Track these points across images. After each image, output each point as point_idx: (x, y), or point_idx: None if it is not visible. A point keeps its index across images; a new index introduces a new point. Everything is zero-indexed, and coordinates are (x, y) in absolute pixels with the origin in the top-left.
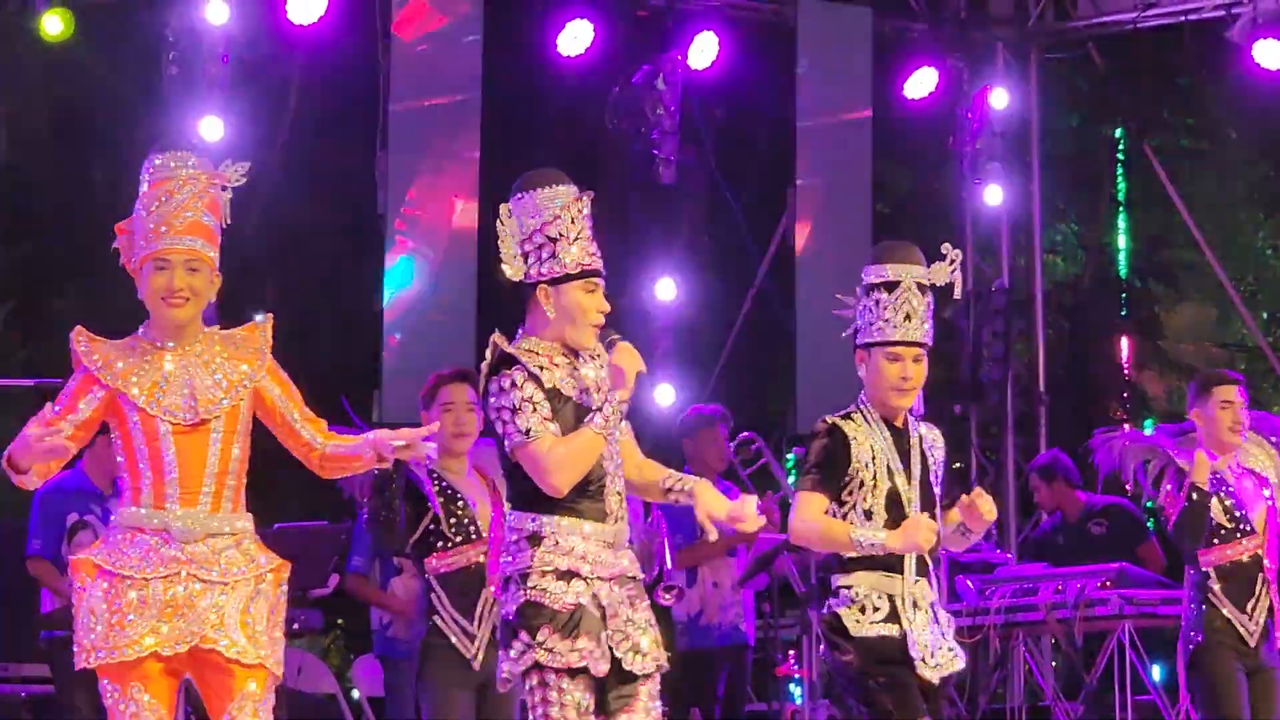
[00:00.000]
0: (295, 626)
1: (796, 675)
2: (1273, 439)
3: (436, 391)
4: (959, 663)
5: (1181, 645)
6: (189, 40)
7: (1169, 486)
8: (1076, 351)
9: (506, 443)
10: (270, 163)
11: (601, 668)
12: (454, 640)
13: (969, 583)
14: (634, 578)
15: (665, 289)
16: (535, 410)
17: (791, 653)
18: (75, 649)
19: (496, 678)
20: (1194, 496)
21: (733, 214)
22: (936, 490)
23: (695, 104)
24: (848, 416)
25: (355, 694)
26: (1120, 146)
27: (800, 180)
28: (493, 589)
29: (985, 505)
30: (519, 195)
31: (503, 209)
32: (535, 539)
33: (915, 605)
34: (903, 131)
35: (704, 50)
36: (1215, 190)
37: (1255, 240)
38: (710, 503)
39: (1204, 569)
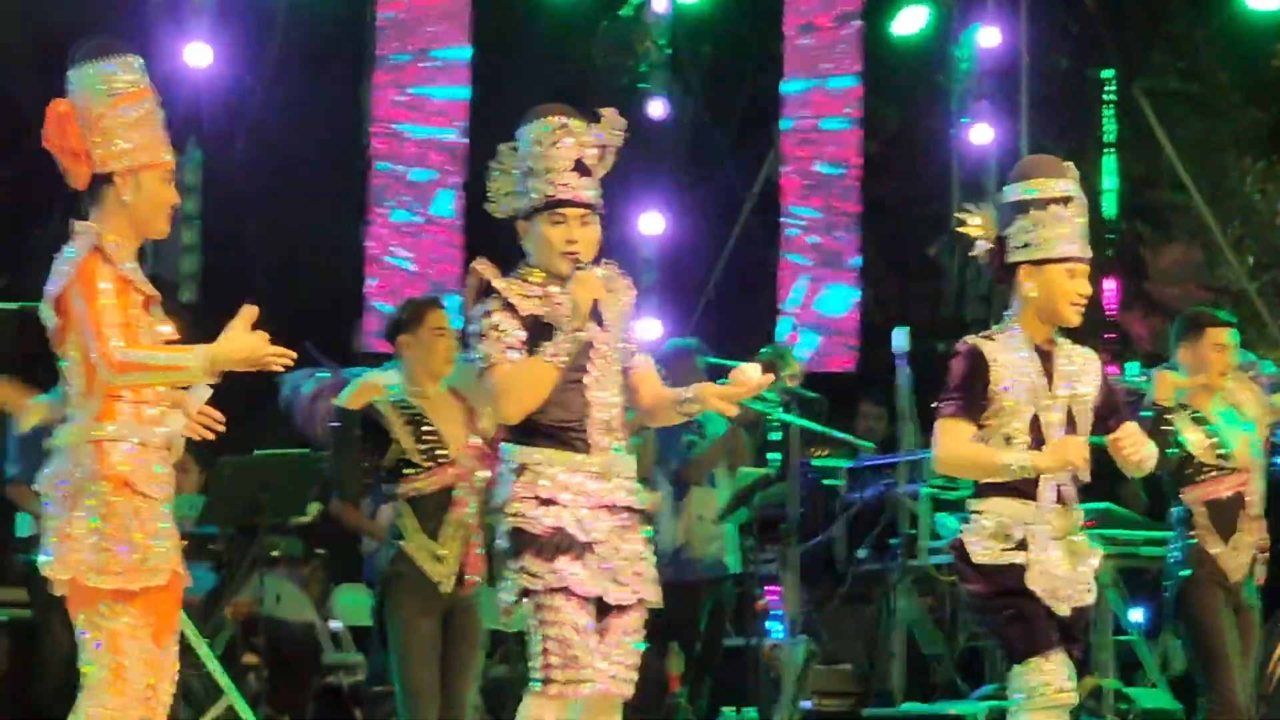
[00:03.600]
0: (275, 554)
1: (775, 610)
2: (1250, 373)
3: (426, 315)
4: (1090, 597)
5: (1168, 582)
6: None
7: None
8: None
9: (475, 370)
10: (255, 91)
11: (589, 589)
12: (422, 565)
13: (950, 520)
14: (629, 508)
15: (651, 223)
16: (500, 338)
17: (771, 588)
18: (96, 571)
19: (465, 601)
20: (1156, 414)
21: (719, 150)
22: (1087, 415)
23: (683, 40)
24: (989, 338)
25: (335, 623)
26: (1109, 88)
27: (787, 116)
28: (462, 511)
29: (1126, 447)
30: (517, 132)
31: (501, 149)
32: (520, 470)
33: (1049, 535)
34: (891, 69)
35: None
36: (1204, 133)
37: (1243, 184)
38: (713, 392)
39: (1188, 505)
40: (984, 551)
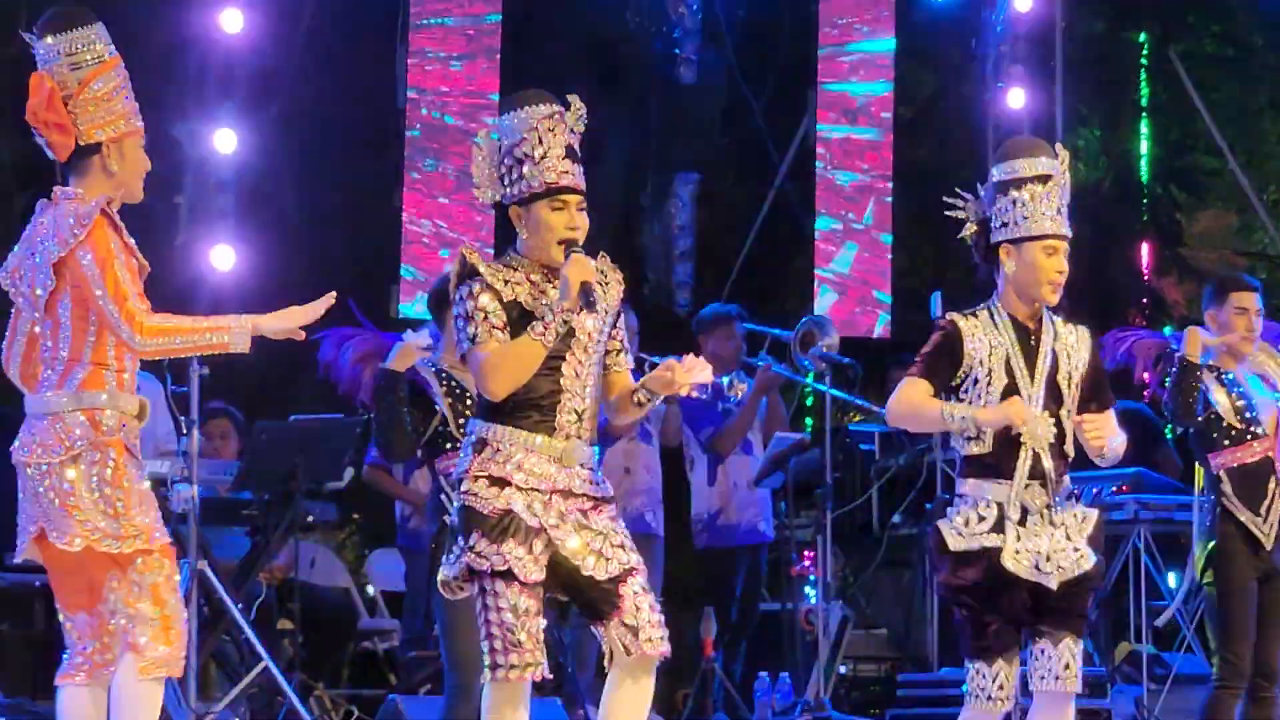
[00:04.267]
0: (310, 520)
1: (811, 575)
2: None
3: None
4: (1086, 564)
5: (1198, 545)
6: None
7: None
8: (1096, 257)
9: (460, 350)
10: (290, 55)
11: (531, 575)
12: None
13: None
14: (592, 496)
15: (685, 188)
16: (486, 319)
17: (807, 553)
18: (115, 537)
19: None
20: (1183, 369)
21: (753, 114)
22: (1072, 392)
23: (717, 2)
24: (972, 314)
25: (370, 589)
26: (1145, 52)
27: (822, 81)
28: None
29: (1088, 431)
30: (501, 118)
31: (480, 135)
32: (480, 445)
33: (1025, 511)
34: (926, 33)
35: None
36: (1239, 97)
37: (1278, 149)
38: (661, 378)
39: (1215, 471)
40: (959, 538)
